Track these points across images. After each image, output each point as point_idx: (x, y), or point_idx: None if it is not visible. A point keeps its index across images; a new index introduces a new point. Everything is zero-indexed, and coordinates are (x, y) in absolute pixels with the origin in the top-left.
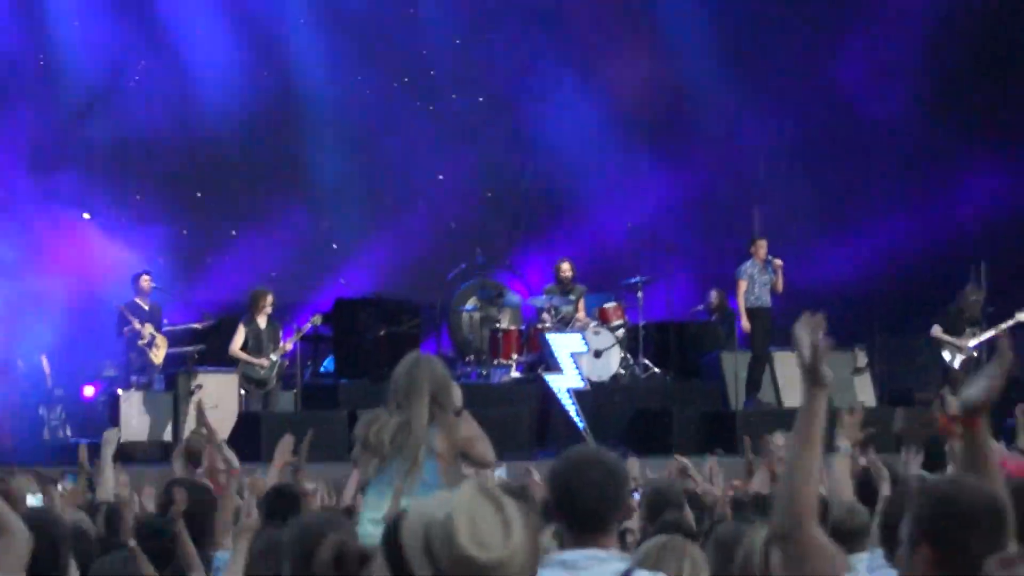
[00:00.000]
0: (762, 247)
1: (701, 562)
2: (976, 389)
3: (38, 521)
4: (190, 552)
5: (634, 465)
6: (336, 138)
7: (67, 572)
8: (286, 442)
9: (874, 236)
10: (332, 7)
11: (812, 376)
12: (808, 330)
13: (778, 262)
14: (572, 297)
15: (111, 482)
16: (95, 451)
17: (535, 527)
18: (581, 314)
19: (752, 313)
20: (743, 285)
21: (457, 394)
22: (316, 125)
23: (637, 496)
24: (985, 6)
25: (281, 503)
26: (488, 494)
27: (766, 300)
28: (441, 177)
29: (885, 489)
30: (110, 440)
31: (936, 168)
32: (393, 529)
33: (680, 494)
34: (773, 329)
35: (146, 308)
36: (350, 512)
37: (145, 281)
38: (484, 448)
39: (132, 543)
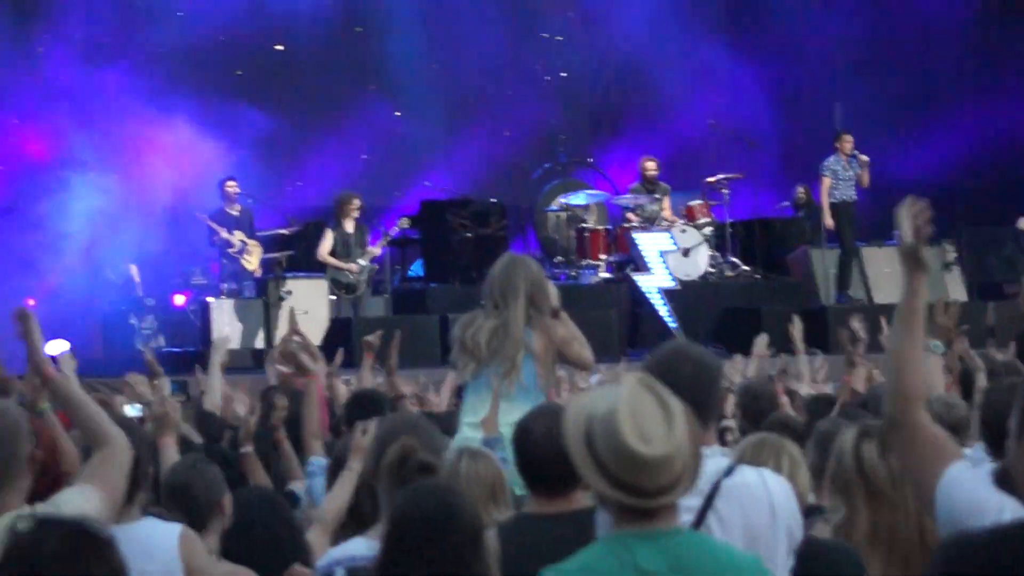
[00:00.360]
0: (847, 142)
1: (799, 459)
2: None
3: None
4: (292, 461)
5: (738, 363)
6: (412, 39)
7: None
8: (372, 337)
9: (957, 129)
10: None
11: (914, 260)
12: (911, 214)
13: (864, 158)
14: (657, 195)
15: (219, 390)
16: (181, 360)
17: (695, 422)
18: (667, 212)
19: (837, 208)
20: (827, 181)
21: (554, 294)
22: (392, 25)
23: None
24: None
25: (363, 409)
26: (651, 389)
27: (851, 195)
28: (518, 70)
29: (981, 381)
30: (219, 347)
31: (1019, 61)
32: (523, 430)
33: (773, 392)
34: (859, 224)
35: (235, 215)
36: (445, 416)
37: (231, 187)
38: (581, 349)
39: (248, 449)
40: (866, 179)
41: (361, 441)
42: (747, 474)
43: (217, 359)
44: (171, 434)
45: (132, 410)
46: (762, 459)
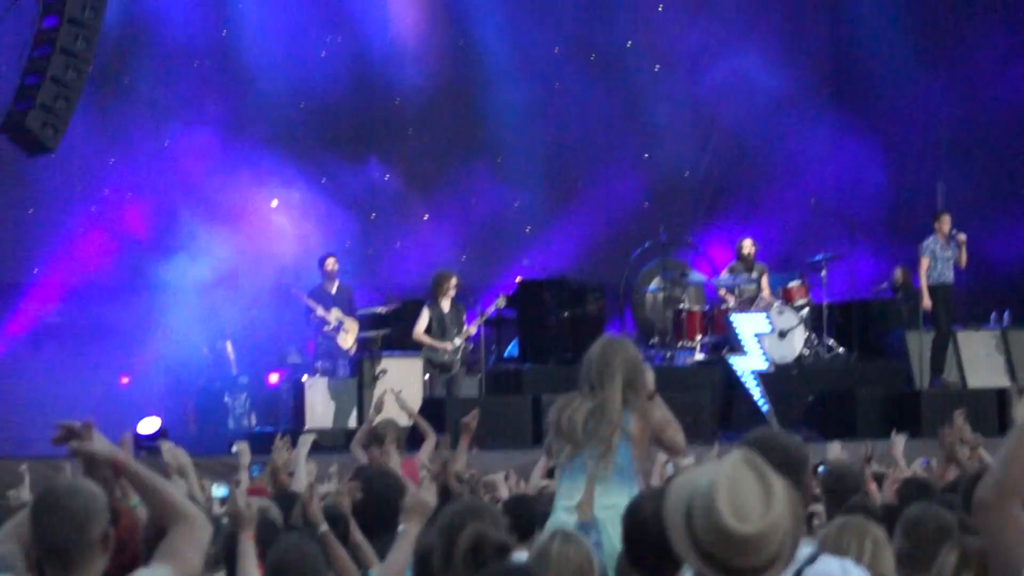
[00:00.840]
0: (946, 222)
1: (883, 542)
2: None
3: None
4: (363, 548)
5: (835, 448)
6: (514, 115)
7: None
8: (469, 419)
9: None
10: None
11: None
12: None
13: (962, 237)
14: (754, 275)
15: (304, 479)
16: (273, 439)
17: (798, 501)
18: (766, 292)
19: (934, 290)
20: (925, 262)
21: (650, 377)
22: (496, 100)
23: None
24: None
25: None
26: (752, 465)
27: (948, 277)
28: (618, 148)
29: None
30: (306, 442)
31: None
32: (633, 509)
33: (860, 476)
34: (955, 306)
35: (332, 292)
36: (534, 499)
37: (331, 264)
38: (675, 433)
39: (324, 528)
40: (964, 259)
41: (413, 503)
42: (830, 564)
43: (303, 452)
44: (248, 529)
45: (219, 490)
46: (845, 541)
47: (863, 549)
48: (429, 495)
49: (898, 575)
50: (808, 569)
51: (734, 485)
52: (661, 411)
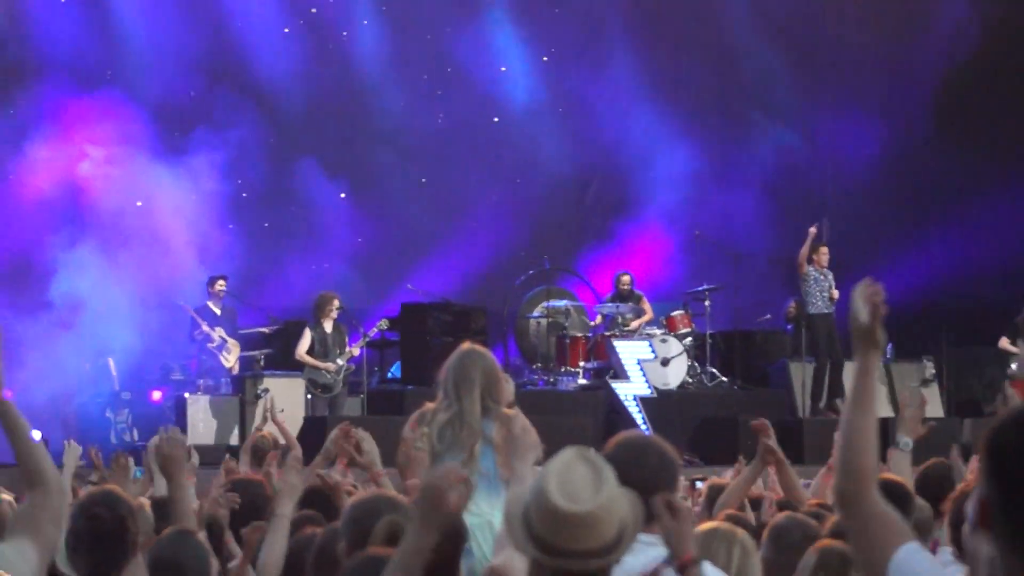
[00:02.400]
0: (823, 254)
1: (751, 549)
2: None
3: (105, 498)
4: (234, 553)
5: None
6: (402, 141)
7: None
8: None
9: (942, 248)
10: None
11: (869, 337)
12: (867, 294)
13: (830, 276)
14: (633, 304)
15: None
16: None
17: (634, 496)
18: (649, 314)
19: (813, 319)
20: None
21: (510, 388)
22: (382, 126)
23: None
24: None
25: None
26: (584, 457)
27: (827, 307)
28: (503, 175)
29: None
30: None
31: (1001, 185)
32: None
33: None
34: (840, 339)
35: (218, 312)
36: None
37: (219, 285)
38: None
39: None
40: (835, 293)
41: (283, 486)
42: None
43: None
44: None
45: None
46: (714, 547)
47: (731, 555)
48: (296, 477)
49: None
50: (666, 570)
51: (564, 471)
52: (522, 419)
